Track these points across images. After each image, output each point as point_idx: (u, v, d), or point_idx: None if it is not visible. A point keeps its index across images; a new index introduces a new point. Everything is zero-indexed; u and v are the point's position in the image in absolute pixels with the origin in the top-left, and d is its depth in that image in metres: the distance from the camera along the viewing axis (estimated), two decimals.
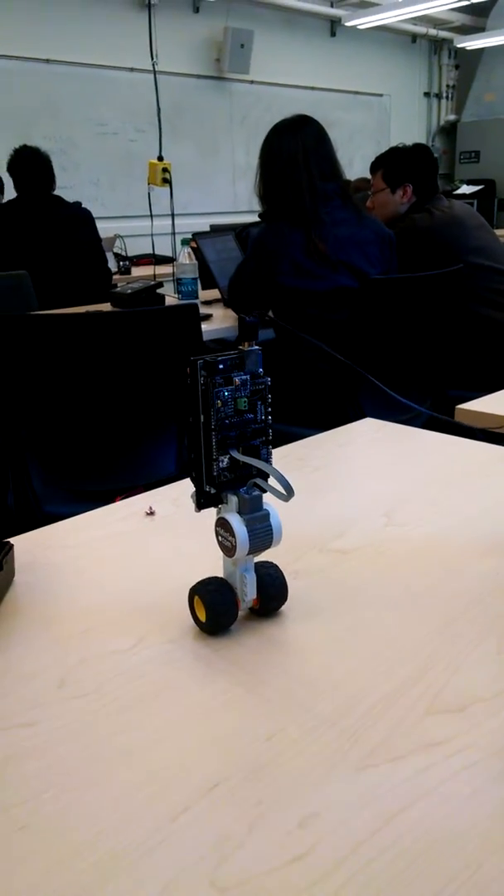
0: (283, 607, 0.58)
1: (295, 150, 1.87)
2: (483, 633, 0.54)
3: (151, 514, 0.76)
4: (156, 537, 0.72)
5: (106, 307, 2.48)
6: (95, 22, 5.40)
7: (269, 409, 0.53)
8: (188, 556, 0.68)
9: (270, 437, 0.54)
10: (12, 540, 0.67)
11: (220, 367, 0.50)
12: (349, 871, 0.36)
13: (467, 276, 2.09)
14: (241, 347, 0.52)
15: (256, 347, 0.52)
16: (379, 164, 2.42)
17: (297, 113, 2.02)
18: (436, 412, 2.16)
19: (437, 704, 0.47)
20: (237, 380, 0.51)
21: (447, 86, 8.18)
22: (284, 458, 0.92)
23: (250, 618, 0.57)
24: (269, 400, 0.53)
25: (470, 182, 7.44)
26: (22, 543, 0.69)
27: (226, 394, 0.51)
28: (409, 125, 8.03)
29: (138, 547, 0.70)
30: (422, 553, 0.66)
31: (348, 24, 6.66)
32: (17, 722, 0.46)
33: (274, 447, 0.97)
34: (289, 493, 0.49)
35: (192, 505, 0.79)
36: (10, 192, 2.98)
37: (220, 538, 0.54)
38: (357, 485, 0.83)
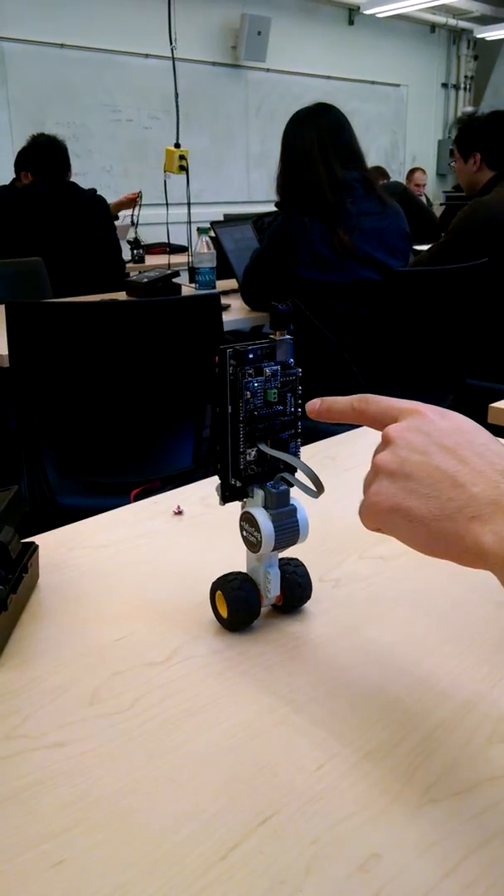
0: (328, 621, 0.55)
1: (310, 141, 1.82)
2: None
3: (179, 513, 0.73)
4: (186, 538, 0.68)
5: (120, 296, 2.44)
6: (110, 7, 5.32)
7: (300, 402, 0.51)
8: (221, 559, 0.64)
9: (300, 431, 0.52)
10: (36, 538, 0.64)
11: (250, 356, 0.48)
12: None
13: (480, 271, 2.02)
14: (272, 336, 0.49)
15: (288, 337, 0.49)
16: (457, 134, 2.42)
17: (314, 101, 1.97)
18: (463, 405, 2.12)
19: (499, 731, 0.43)
20: (268, 370, 0.49)
21: (465, 77, 8.06)
22: (314, 455, 0.89)
23: (281, 619, 0.54)
24: (300, 392, 0.51)
25: None
26: (46, 542, 0.65)
27: (255, 384, 0.48)
28: (427, 116, 7.93)
29: (168, 548, 0.66)
30: None
31: (367, 12, 6.57)
32: (46, 742, 0.43)
33: (302, 443, 0.94)
34: (318, 489, 0.47)
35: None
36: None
37: (244, 533, 0.52)
38: None
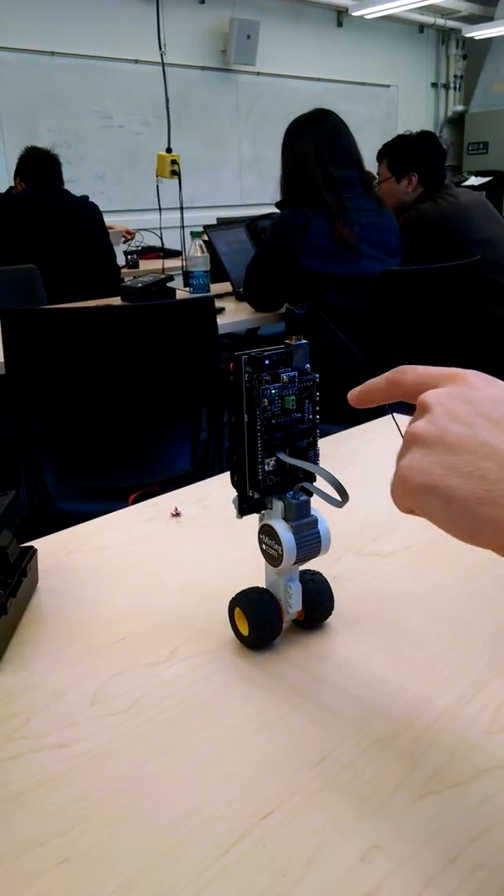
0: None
1: (307, 146, 1.86)
2: None
3: (177, 515, 0.73)
4: (183, 540, 0.68)
5: (115, 301, 2.44)
6: (99, 13, 5.34)
7: (318, 409, 0.49)
8: (218, 560, 0.64)
9: (318, 438, 0.50)
10: (34, 543, 0.64)
11: (266, 362, 0.46)
12: None
13: (471, 269, 2.04)
14: (287, 342, 0.47)
15: (304, 342, 0.48)
16: (384, 153, 2.36)
17: (312, 106, 1.98)
18: None
19: (498, 721, 0.44)
20: (285, 376, 0.47)
21: (455, 76, 8.08)
22: None
23: (292, 628, 0.54)
24: (318, 398, 0.48)
25: (478, 174, 7.36)
26: (44, 546, 0.66)
27: (273, 391, 0.46)
28: (417, 116, 7.95)
29: (165, 550, 0.67)
30: (466, 555, 0.63)
31: (355, 13, 6.58)
32: (49, 743, 0.43)
33: None
34: (343, 497, 0.44)
35: (218, 505, 0.76)
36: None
37: (263, 546, 0.50)
38: (388, 484, 0.80)
